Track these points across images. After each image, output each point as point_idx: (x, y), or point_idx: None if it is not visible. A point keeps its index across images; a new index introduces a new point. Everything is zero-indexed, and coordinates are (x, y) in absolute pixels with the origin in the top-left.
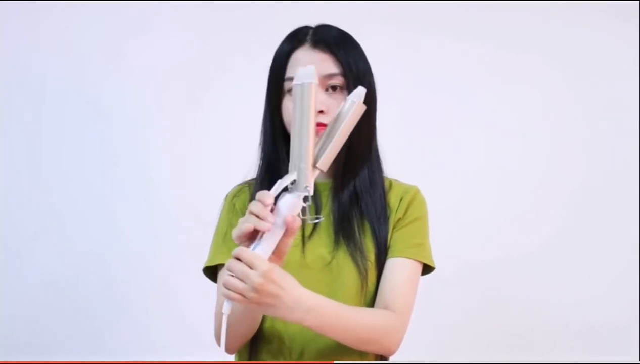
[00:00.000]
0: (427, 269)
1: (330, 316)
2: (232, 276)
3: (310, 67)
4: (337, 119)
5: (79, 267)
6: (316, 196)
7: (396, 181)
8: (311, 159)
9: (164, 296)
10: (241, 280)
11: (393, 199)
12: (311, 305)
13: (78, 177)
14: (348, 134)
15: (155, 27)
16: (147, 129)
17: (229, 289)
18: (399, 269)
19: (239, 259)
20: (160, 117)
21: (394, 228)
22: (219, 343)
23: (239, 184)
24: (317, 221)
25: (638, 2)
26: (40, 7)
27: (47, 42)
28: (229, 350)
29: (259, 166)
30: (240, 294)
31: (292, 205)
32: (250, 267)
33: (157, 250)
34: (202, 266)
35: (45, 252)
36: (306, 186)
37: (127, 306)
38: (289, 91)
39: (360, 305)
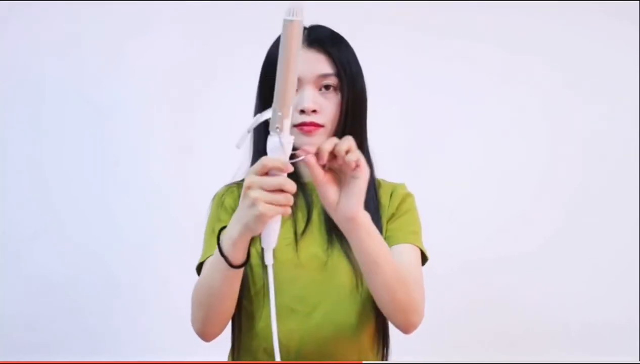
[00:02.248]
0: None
1: (376, 235)
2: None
3: (295, 4)
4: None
5: (79, 267)
6: (307, 194)
7: (383, 180)
8: (283, 101)
9: (164, 296)
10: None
11: (383, 197)
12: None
13: (78, 177)
14: (292, 63)
15: (155, 27)
16: (147, 129)
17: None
18: (405, 252)
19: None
20: (160, 117)
21: (387, 223)
22: (195, 328)
23: (226, 185)
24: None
25: (638, 2)
26: (40, 7)
27: (47, 42)
28: (214, 333)
29: (251, 159)
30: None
31: (275, 147)
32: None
33: (157, 250)
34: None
35: (45, 252)
36: (277, 127)
37: (127, 306)
38: None
39: (355, 304)
